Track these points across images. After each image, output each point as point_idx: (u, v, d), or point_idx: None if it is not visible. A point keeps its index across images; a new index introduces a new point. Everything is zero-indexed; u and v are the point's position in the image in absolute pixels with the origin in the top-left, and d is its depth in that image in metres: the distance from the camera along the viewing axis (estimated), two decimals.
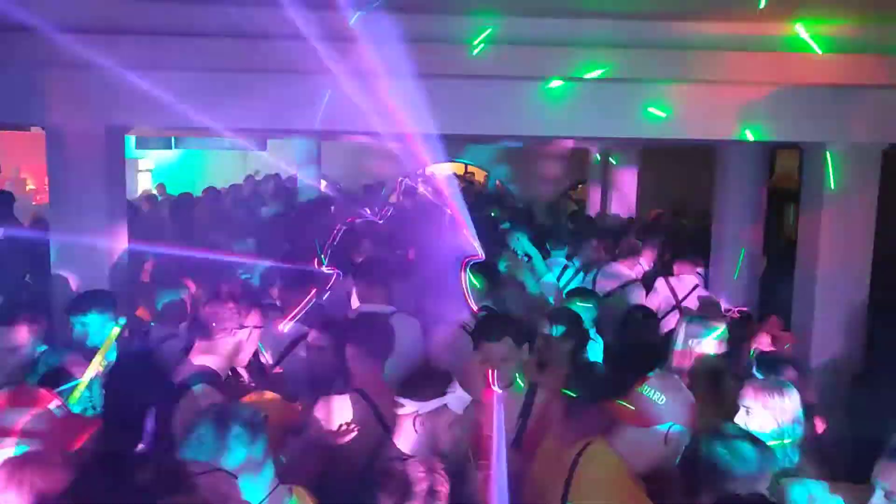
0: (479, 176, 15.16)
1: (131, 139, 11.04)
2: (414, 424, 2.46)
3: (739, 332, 3.92)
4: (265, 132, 9.02)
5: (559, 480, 2.37)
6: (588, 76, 4.06)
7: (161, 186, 11.83)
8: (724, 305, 5.15)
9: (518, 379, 3.07)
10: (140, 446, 2.62)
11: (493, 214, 8.39)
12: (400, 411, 2.50)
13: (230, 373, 2.96)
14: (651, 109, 4.31)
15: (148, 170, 13.55)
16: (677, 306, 5.47)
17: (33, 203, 10.81)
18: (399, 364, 3.16)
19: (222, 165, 13.65)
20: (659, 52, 4.01)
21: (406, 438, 2.48)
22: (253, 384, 3.16)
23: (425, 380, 2.55)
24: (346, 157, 12.94)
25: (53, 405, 1.96)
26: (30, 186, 12.24)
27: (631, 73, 4.08)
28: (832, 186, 4.56)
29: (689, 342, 3.35)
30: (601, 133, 4.65)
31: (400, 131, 4.24)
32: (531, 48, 4.03)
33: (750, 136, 4.37)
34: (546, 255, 6.01)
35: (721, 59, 4.06)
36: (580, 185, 11.74)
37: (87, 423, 2.09)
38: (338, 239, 5.77)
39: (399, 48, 3.71)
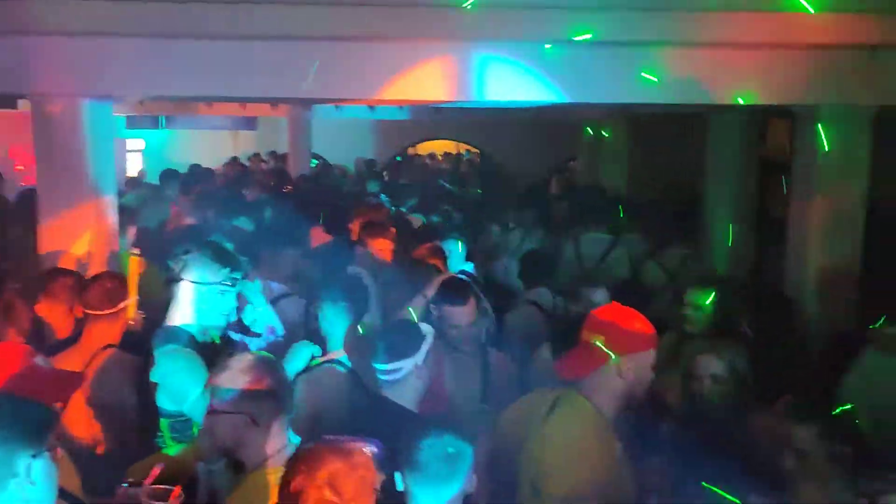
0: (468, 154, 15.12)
1: (122, 119, 10.96)
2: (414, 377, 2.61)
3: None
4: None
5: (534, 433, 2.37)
6: (578, 39, 4.01)
7: (142, 173, 11.77)
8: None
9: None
10: None
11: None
12: (398, 375, 2.60)
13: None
14: (644, 75, 4.28)
15: (139, 150, 13.46)
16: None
17: (21, 184, 10.71)
18: None
19: (214, 145, 13.58)
20: (648, 14, 3.96)
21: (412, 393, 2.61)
22: None
23: (405, 334, 2.64)
24: (340, 134, 12.88)
25: (39, 360, 1.93)
26: (19, 167, 12.13)
27: (619, 37, 4.02)
28: (825, 149, 4.54)
29: None
30: (591, 98, 4.58)
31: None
32: (519, 11, 3.99)
33: (741, 101, 4.34)
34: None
35: (711, 20, 4.01)
36: (571, 162, 11.70)
37: (73, 377, 2.07)
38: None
39: None
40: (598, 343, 2.34)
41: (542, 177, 11.58)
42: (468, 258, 4.85)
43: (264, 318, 3.67)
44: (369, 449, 1.88)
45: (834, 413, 2.47)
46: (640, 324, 2.42)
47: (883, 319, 3.34)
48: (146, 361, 2.73)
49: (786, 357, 3.24)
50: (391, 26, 4.05)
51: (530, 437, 2.36)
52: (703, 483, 2.19)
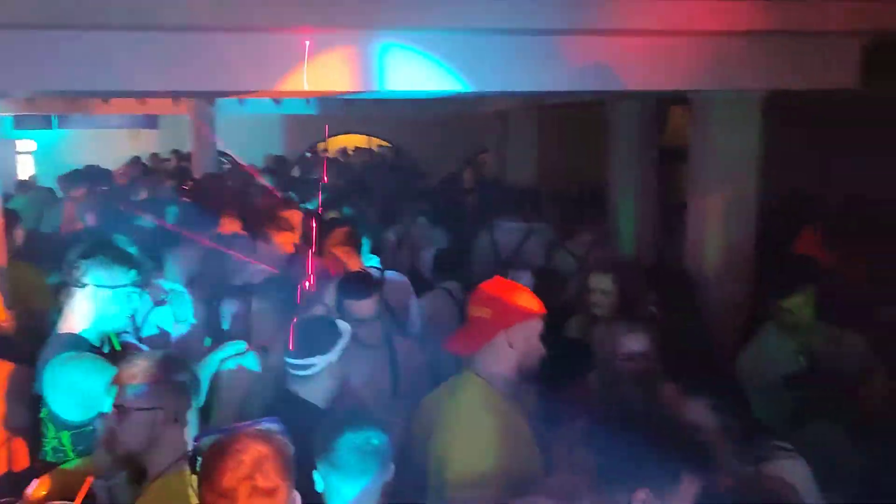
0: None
1: (9, 119, 10.35)
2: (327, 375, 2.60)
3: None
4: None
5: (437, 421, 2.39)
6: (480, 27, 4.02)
7: (33, 176, 11.20)
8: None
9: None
10: None
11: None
12: (310, 371, 2.58)
13: None
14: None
15: (29, 152, 12.76)
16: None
17: None
18: None
19: (112, 145, 13.00)
20: (548, 1, 4.00)
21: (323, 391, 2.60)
22: None
23: (320, 331, 2.60)
24: (248, 130, 12.55)
25: None
26: None
27: (521, 24, 4.05)
28: (718, 135, 4.72)
29: None
30: (495, 87, 4.59)
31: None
32: None
33: (635, 87, 4.46)
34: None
35: (608, 6, 4.08)
36: (482, 154, 11.79)
37: None
38: None
39: None
40: (484, 316, 2.35)
41: (455, 169, 11.64)
42: (379, 251, 4.84)
43: (182, 318, 3.58)
44: (278, 429, 1.87)
45: (724, 386, 2.55)
46: (523, 295, 2.46)
47: (782, 294, 3.48)
48: (30, 373, 2.58)
49: (689, 334, 3.35)
50: (290, 16, 3.95)
51: (434, 425, 2.36)
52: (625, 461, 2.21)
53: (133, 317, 3.14)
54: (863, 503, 2.69)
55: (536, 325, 2.47)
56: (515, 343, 2.39)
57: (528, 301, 2.48)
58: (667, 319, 3.61)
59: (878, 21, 4.24)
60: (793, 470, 2.42)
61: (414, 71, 4.16)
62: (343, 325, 2.73)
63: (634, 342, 3.16)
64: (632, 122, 6.58)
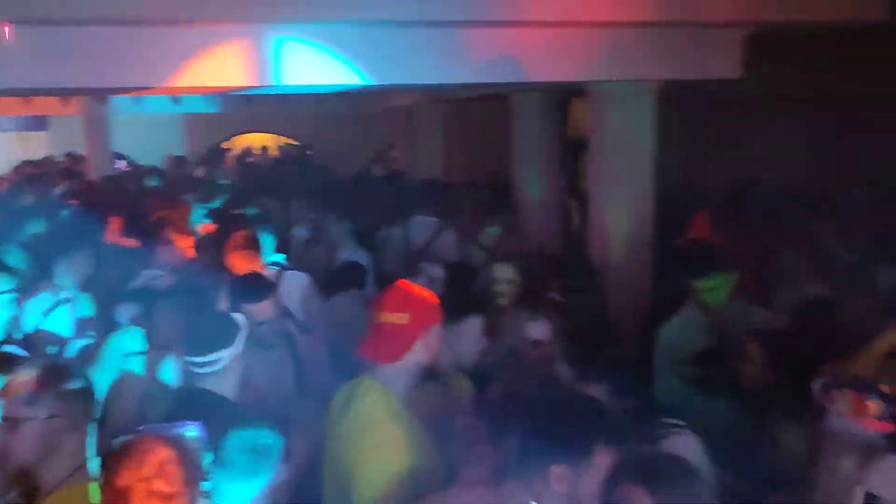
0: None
1: None
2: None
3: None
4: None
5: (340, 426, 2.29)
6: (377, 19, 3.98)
7: None
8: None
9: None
10: None
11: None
12: (217, 367, 2.52)
13: None
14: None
15: None
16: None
17: None
18: None
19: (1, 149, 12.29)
20: None
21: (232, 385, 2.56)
22: None
23: (220, 325, 2.53)
24: (146, 131, 12.08)
25: None
26: None
27: (420, 17, 4.04)
28: (615, 124, 4.86)
29: None
30: (396, 81, 4.59)
31: None
32: None
33: (533, 78, 4.54)
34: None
35: None
36: (392, 150, 11.75)
37: None
38: None
39: None
40: (402, 322, 2.28)
41: (364, 166, 11.56)
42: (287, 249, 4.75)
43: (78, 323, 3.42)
44: (194, 432, 1.79)
45: (620, 367, 2.63)
46: (431, 296, 2.39)
47: (700, 274, 3.61)
48: None
49: (588, 319, 3.44)
50: (181, 9, 3.81)
51: (338, 436, 2.27)
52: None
53: (16, 323, 2.96)
54: (752, 477, 2.81)
55: (441, 327, 2.43)
56: (429, 347, 2.34)
57: (437, 302, 2.40)
58: (568, 306, 3.69)
59: (758, 13, 4.45)
60: (685, 445, 2.50)
61: (313, 65, 4.09)
62: (239, 318, 2.68)
63: (538, 329, 3.22)
64: (535, 114, 6.69)
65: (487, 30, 4.42)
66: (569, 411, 1.98)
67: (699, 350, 3.38)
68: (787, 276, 4.12)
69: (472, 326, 2.93)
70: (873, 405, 2.14)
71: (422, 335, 2.30)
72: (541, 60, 4.55)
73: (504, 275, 3.94)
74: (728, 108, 6.72)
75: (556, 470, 1.89)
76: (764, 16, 4.45)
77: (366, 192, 7.50)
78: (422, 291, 2.40)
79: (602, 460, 1.90)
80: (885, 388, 2.20)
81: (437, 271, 4.09)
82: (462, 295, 4.23)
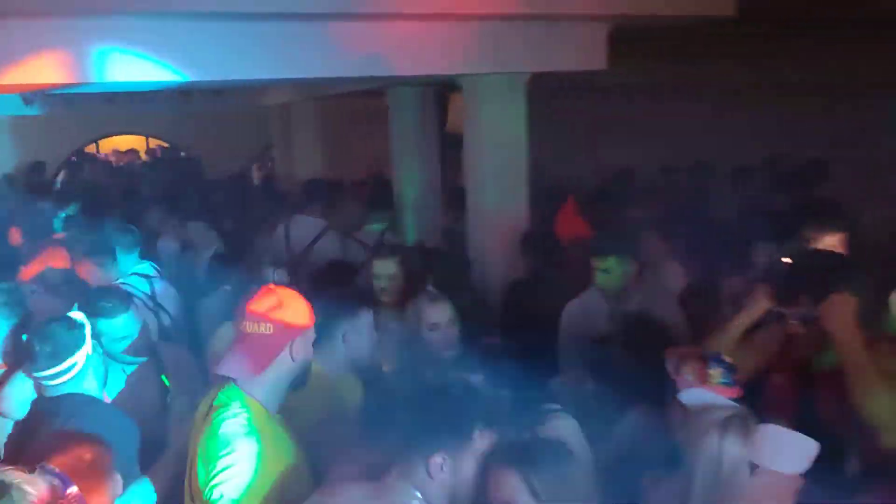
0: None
1: None
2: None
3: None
4: None
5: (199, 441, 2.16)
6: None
7: None
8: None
9: None
10: None
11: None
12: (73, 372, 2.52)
13: None
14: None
15: None
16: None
17: None
18: None
19: None
20: None
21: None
22: None
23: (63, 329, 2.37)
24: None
25: None
26: None
27: (275, 9, 3.88)
28: (488, 117, 4.89)
29: None
30: (250, 76, 4.35)
31: None
32: None
33: (403, 71, 4.50)
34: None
35: None
36: (269, 150, 11.44)
37: None
38: None
39: None
40: (266, 332, 2.16)
41: (243, 166, 11.22)
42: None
43: None
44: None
45: (495, 354, 2.63)
46: (299, 301, 2.29)
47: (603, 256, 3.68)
48: None
49: (465, 310, 3.43)
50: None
51: (197, 451, 2.13)
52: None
53: None
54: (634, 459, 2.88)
55: (312, 332, 2.34)
56: (298, 353, 2.23)
57: (306, 307, 2.31)
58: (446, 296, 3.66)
59: (619, 7, 4.59)
60: (566, 429, 2.54)
61: (143, 60, 3.81)
62: (78, 316, 2.54)
63: (438, 312, 3.22)
64: (412, 110, 6.68)
65: (357, 23, 4.33)
66: (445, 398, 1.96)
67: (602, 333, 3.44)
68: (655, 262, 4.30)
69: (363, 323, 2.87)
70: (715, 372, 2.23)
71: (287, 343, 2.20)
72: (411, 54, 4.51)
73: (385, 271, 3.91)
74: (595, 99, 6.98)
75: (436, 458, 1.87)
76: (623, 10, 4.59)
77: (242, 194, 7.26)
78: (288, 297, 2.29)
79: (481, 446, 1.90)
80: (727, 358, 2.32)
81: (279, 275, 3.99)
82: (344, 293, 4.18)
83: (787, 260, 3.06)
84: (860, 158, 6.85)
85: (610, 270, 3.67)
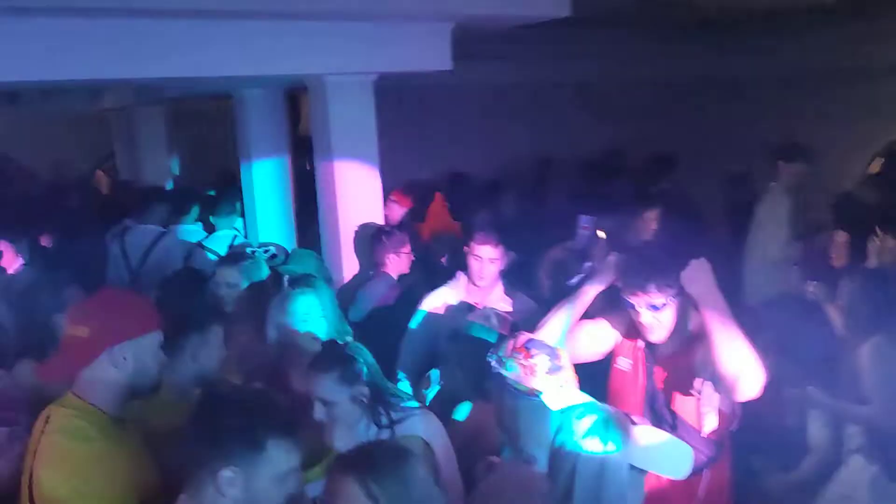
0: None
1: None
2: None
3: None
4: None
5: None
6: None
7: None
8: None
9: None
10: None
11: None
12: None
13: None
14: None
15: None
16: None
17: None
18: None
19: None
20: None
21: None
22: None
23: None
24: None
25: None
26: None
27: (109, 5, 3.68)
28: (336, 121, 4.85)
29: None
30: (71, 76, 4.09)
31: None
32: None
33: (244, 72, 4.38)
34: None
35: None
36: (111, 157, 10.78)
37: None
38: None
39: None
40: (81, 335, 2.08)
41: (81, 173, 10.49)
42: None
43: None
44: None
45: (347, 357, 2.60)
46: (132, 307, 2.22)
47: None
48: None
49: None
50: None
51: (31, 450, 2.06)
52: None
53: None
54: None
55: (152, 341, 2.22)
56: (122, 363, 2.13)
57: (138, 314, 2.21)
58: None
59: (460, 7, 4.68)
60: (426, 427, 2.56)
61: None
62: None
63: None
64: (260, 112, 6.51)
65: (197, 21, 4.16)
66: (231, 409, 1.86)
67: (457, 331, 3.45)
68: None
69: (211, 336, 2.75)
70: (541, 361, 2.21)
71: (107, 348, 2.10)
72: (253, 54, 4.38)
73: (228, 278, 3.82)
74: (442, 99, 7.12)
75: (225, 473, 1.79)
76: (465, 10, 4.68)
77: (75, 202, 6.79)
78: (121, 301, 2.19)
79: (276, 455, 1.83)
80: (552, 345, 2.32)
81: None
82: (189, 303, 4.00)
83: (601, 234, 3.22)
84: (694, 148, 7.40)
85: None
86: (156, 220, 5.68)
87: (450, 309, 3.79)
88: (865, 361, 3.28)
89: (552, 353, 2.27)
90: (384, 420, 2.55)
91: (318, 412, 2.49)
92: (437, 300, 3.85)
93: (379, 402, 2.57)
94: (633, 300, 2.55)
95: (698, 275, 2.49)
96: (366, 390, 2.54)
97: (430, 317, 3.81)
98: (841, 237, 4.47)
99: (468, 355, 2.85)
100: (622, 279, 2.62)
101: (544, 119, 7.72)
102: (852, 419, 3.37)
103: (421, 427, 2.56)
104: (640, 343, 2.69)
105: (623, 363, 2.75)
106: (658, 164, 6.93)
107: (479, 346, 2.82)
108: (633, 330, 2.69)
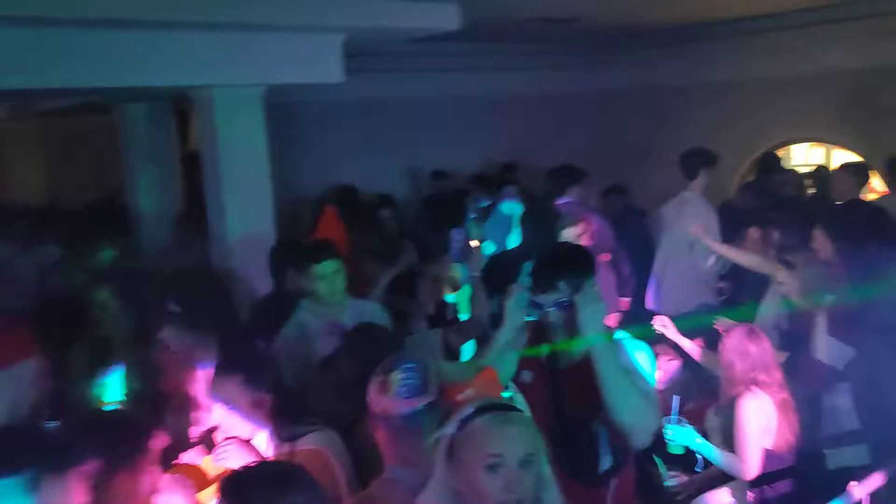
0: None
1: None
2: None
3: None
4: None
5: None
6: None
7: None
8: None
9: None
10: None
11: None
12: None
13: None
14: None
15: None
16: None
17: None
18: None
19: None
20: None
21: None
22: None
23: None
24: None
25: None
26: None
27: None
28: (223, 133, 4.71)
29: None
30: None
31: None
32: None
33: (129, 83, 4.20)
34: None
35: None
36: None
37: None
38: None
39: None
40: None
41: None
42: None
43: None
44: None
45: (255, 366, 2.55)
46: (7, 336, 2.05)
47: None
48: None
49: (216, 324, 3.25)
50: None
51: None
52: None
53: None
54: None
55: (25, 370, 2.07)
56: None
57: (5, 345, 2.06)
58: (187, 316, 3.43)
59: (350, 21, 4.65)
60: (327, 441, 2.52)
61: None
62: None
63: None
64: (144, 127, 6.26)
65: (70, 30, 3.94)
66: None
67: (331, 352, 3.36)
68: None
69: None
70: (396, 381, 2.07)
71: None
72: (133, 64, 4.19)
73: (101, 299, 3.59)
74: (340, 114, 7.08)
75: None
76: (355, 22, 4.65)
77: None
78: None
79: (48, 491, 1.70)
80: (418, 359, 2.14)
81: None
82: (62, 327, 3.76)
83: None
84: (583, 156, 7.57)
85: (323, 281, 3.54)
86: (18, 240, 5.36)
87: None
88: None
89: (415, 370, 2.11)
90: (283, 433, 2.51)
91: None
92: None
93: (283, 415, 2.52)
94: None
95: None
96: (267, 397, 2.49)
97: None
98: (755, 233, 4.68)
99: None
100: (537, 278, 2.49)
101: (445, 132, 7.80)
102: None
103: (323, 441, 2.52)
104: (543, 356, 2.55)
105: (525, 376, 2.61)
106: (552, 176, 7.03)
107: None
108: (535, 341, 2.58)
